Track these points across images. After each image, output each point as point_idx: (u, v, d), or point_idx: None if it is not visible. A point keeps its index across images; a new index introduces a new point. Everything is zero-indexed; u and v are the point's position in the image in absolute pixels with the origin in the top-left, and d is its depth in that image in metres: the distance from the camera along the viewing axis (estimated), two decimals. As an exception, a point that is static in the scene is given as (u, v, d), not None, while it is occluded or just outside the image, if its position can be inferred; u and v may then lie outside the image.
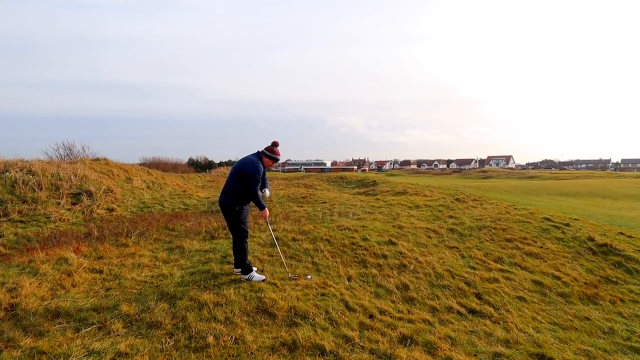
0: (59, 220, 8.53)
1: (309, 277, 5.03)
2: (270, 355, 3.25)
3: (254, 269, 4.92)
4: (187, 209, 10.75)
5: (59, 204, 9.35)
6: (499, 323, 4.31)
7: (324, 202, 11.37)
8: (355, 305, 4.27)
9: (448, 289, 5.13)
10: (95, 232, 7.18)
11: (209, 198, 12.79)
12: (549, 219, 8.81)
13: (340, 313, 4.06)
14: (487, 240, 7.28)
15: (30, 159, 12.04)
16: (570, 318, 4.64)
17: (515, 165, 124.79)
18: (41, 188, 9.70)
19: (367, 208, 10.23)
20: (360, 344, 3.52)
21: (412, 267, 5.68)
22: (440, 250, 6.63)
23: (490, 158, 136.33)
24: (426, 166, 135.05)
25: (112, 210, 9.95)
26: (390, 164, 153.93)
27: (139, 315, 3.74)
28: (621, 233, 8.12)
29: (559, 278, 5.80)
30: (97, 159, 15.76)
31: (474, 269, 5.89)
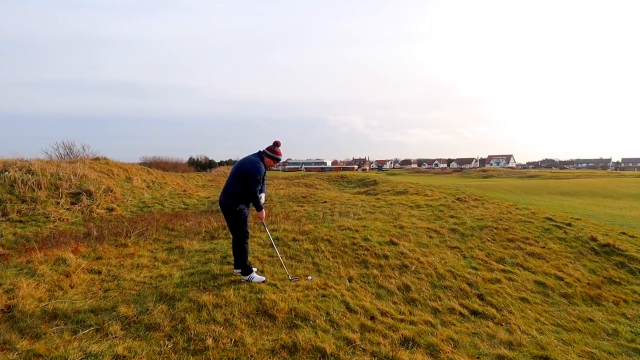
0: (58, 220, 8.49)
1: (310, 277, 4.98)
2: (270, 358, 3.20)
3: (254, 269, 4.87)
4: (187, 209, 10.70)
5: (59, 203, 9.31)
6: (502, 325, 4.27)
7: (325, 202, 11.31)
8: (357, 307, 4.22)
9: (450, 289, 5.09)
10: (95, 232, 7.13)
11: (209, 197, 12.74)
12: (550, 219, 8.75)
13: (341, 315, 4.01)
14: (488, 241, 7.23)
15: (29, 159, 12.01)
16: (574, 319, 4.59)
17: (516, 165, 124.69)
18: (40, 188, 9.65)
19: (367, 208, 10.18)
20: (362, 346, 3.47)
21: (414, 267, 5.63)
22: (441, 250, 6.58)
23: (490, 157, 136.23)
24: (427, 165, 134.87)
25: (111, 210, 9.90)
26: (391, 163, 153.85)
27: (137, 317, 3.69)
28: (623, 233, 8.07)
29: (561, 279, 5.75)
30: (97, 159, 15.71)
31: (476, 269, 5.84)
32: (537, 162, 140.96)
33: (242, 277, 4.71)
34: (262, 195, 4.89)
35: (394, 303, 4.57)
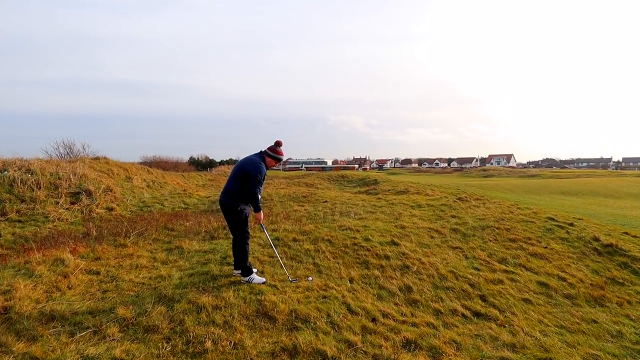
0: (58, 219, 8.44)
1: (310, 278, 4.93)
2: (270, 361, 3.15)
3: (254, 270, 4.81)
4: (187, 208, 10.66)
5: (58, 203, 9.26)
6: (505, 326, 4.21)
7: (325, 202, 11.26)
8: (358, 308, 4.17)
9: (452, 290, 5.03)
10: (94, 232, 7.08)
11: (209, 197, 12.69)
12: (552, 219, 8.69)
13: (342, 316, 3.96)
14: (490, 241, 7.17)
15: (29, 158, 11.97)
16: (577, 321, 4.54)
17: (517, 164, 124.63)
18: (40, 187, 9.60)
19: (368, 207, 10.12)
20: (363, 349, 3.42)
21: (415, 268, 5.58)
22: (443, 250, 6.53)
23: (491, 157, 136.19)
24: (427, 165, 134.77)
25: (111, 209, 9.86)
26: (392, 162, 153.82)
27: (135, 319, 3.64)
28: (626, 233, 8.01)
29: (564, 279, 5.70)
30: (97, 158, 15.67)
31: (478, 270, 5.78)
32: (538, 161, 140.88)
33: (242, 278, 4.66)
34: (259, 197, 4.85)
35: (396, 304, 4.52)
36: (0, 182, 9.30)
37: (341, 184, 20.99)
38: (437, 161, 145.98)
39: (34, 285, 4.32)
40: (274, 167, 4.95)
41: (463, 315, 4.43)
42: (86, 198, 9.91)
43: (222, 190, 4.75)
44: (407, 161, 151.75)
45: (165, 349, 3.21)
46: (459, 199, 11.74)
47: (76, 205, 9.45)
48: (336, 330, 3.69)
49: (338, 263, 5.62)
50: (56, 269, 4.86)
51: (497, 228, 7.87)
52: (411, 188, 15.41)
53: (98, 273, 4.93)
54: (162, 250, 6.05)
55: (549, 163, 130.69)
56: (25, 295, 4.02)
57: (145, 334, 3.42)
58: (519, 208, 10.27)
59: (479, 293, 5.01)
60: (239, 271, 4.71)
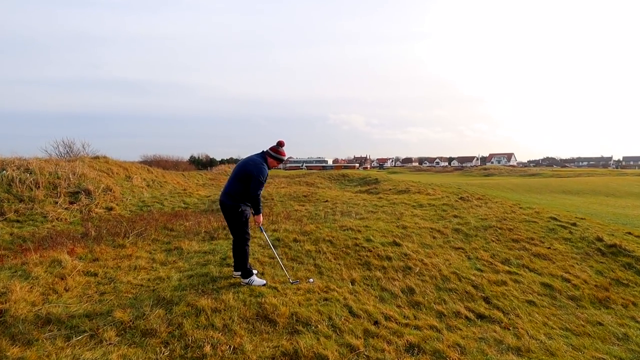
0: (56, 219, 8.38)
1: (311, 280, 4.86)
2: (270, 365, 3.08)
3: (254, 271, 4.74)
4: (187, 208, 10.59)
5: (57, 203, 9.19)
6: (509, 329, 4.14)
7: (326, 201, 11.19)
8: (360, 311, 4.10)
9: (455, 292, 4.96)
10: (93, 232, 7.01)
11: (209, 196, 12.63)
12: (555, 219, 8.62)
13: (344, 319, 3.89)
14: (493, 241, 7.10)
15: (28, 157, 11.91)
16: (583, 323, 4.46)
17: (517, 163, 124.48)
18: (38, 187, 9.53)
19: (369, 207, 10.05)
20: (365, 353, 3.35)
21: (418, 269, 5.50)
22: (445, 251, 6.45)
23: (491, 155, 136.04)
24: (428, 164, 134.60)
25: (110, 209, 9.79)
26: (392, 161, 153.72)
27: (133, 322, 3.57)
28: (629, 233, 7.94)
29: (568, 280, 5.62)
30: (97, 157, 15.61)
31: (481, 271, 5.71)
32: (538, 160, 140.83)
33: (242, 280, 4.58)
34: (260, 200, 4.77)
35: (398, 307, 4.45)
36: (-2, 182, 9.24)
37: (342, 183, 20.92)
38: (437, 160, 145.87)
39: (30, 288, 4.25)
40: (276, 167, 4.87)
41: (466, 317, 4.35)
42: (85, 198, 9.84)
43: (222, 190, 4.67)
44: (408, 160, 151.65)
45: (163, 353, 3.14)
46: (461, 198, 11.66)
47: (75, 205, 9.38)
48: (338, 334, 3.62)
49: (339, 264, 5.55)
50: (53, 271, 4.79)
51: (499, 228, 7.79)
52: (412, 187, 15.34)
53: (96, 275, 4.86)
54: (161, 251, 5.98)
55: (550, 162, 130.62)
56: (21, 298, 3.95)
57: (143, 338, 3.35)
58: (521, 208, 10.19)
59: (483, 295, 4.94)
60: (239, 273, 4.63)
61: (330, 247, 6.15)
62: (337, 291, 4.55)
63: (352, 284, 4.91)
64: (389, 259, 5.81)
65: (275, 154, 4.61)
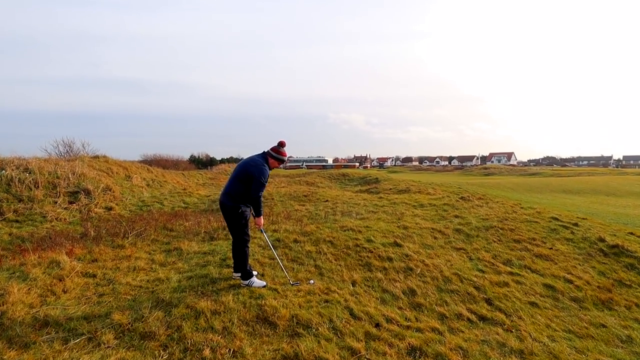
0: (56, 219, 8.34)
1: (312, 281, 4.82)
2: (270, 369, 3.04)
3: (254, 273, 4.70)
4: (187, 208, 10.55)
5: (56, 202, 9.15)
6: (512, 331, 4.09)
7: (326, 201, 11.15)
8: (361, 313, 4.05)
9: (457, 294, 4.91)
10: (92, 232, 6.97)
11: (209, 196, 12.58)
12: (556, 219, 8.57)
13: (345, 322, 3.84)
14: (494, 241, 7.05)
15: (27, 157, 11.86)
16: (586, 325, 4.41)
17: (517, 162, 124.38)
18: (38, 186, 9.49)
19: (370, 207, 10.01)
20: (367, 356, 3.31)
21: (419, 270, 5.46)
22: (447, 252, 6.41)
23: (492, 155, 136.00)
24: (428, 163, 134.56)
25: (110, 209, 9.75)
26: (392, 160, 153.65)
27: (131, 325, 3.53)
28: (631, 233, 7.89)
29: (571, 281, 5.57)
30: (97, 157, 15.55)
31: (483, 272, 5.67)
32: (538, 159, 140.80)
33: (241, 281, 4.54)
34: (261, 202, 4.71)
35: (400, 308, 4.40)
36: (-3, 182, 9.20)
37: (342, 182, 20.89)
38: (437, 159, 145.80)
39: (28, 289, 4.21)
40: (277, 168, 4.81)
41: (469, 319, 4.31)
42: (85, 197, 9.80)
43: (222, 190, 4.62)
44: (408, 159, 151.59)
45: (162, 357, 3.09)
46: (462, 198, 11.62)
47: (74, 204, 9.34)
48: (339, 337, 3.58)
49: (340, 265, 5.51)
50: (51, 272, 4.75)
51: (500, 228, 7.75)
52: (412, 187, 15.30)
53: (94, 276, 4.82)
54: (161, 252, 5.94)
55: (550, 161, 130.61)
56: (18, 300, 3.91)
57: (142, 341, 3.31)
58: (522, 207, 10.15)
59: (485, 296, 4.89)
60: (239, 274, 4.58)
61: (331, 248, 6.11)
62: (337, 293, 4.51)
63: (353, 286, 4.87)
64: (390, 259, 5.77)
65: (276, 154, 4.56)
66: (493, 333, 4.01)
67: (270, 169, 4.54)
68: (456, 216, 8.89)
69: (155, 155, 34.08)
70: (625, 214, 11.31)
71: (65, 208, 9.04)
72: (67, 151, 19.56)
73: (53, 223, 8.06)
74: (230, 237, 4.83)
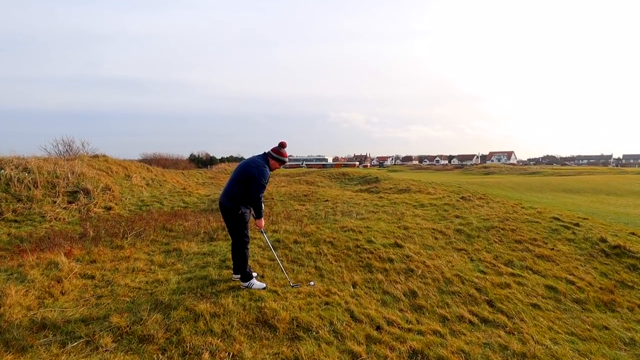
0: (55, 219, 8.30)
1: (312, 283, 4.77)
2: (270, 373, 3.00)
3: (254, 274, 4.66)
4: (187, 207, 10.50)
5: (55, 202, 9.11)
6: (514, 334, 4.05)
7: (326, 201, 11.11)
8: (361, 316, 4.01)
9: (458, 295, 4.87)
10: (91, 233, 6.93)
11: (209, 196, 12.55)
12: (557, 219, 8.53)
13: (346, 324, 3.80)
14: (496, 242, 7.01)
15: (26, 156, 11.82)
16: (589, 327, 4.37)
17: (517, 161, 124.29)
18: (37, 186, 9.45)
19: (370, 207, 9.97)
20: (368, 360, 3.27)
21: (420, 271, 5.42)
22: (448, 252, 6.37)
23: (491, 154, 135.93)
24: (428, 162, 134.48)
25: (109, 208, 9.71)
26: (392, 159, 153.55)
27: (130, 328, 3.49)
28: (633, 233, 7.85)
29: (573, 283, 5.54)
30: (96, 156, 15.51)
31: (484, 273, 5.62)
32: (538, 158, 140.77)
33: (241, 283, 4.49)
34: (262, 203, 4.67)
35: (401, 310, 4.36)
36: (-4, 181, 9.15)
37: (342, 181, 20.86)
38: (437, 158, 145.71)
39: (26, 291, 4.17)
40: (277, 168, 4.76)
41: (470, 321, 4.27)
42: (84, 197, 9.76)
43: (222, 191, 4.57)
44: (408, 158, 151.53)
45: (160, 361, 3.06)
46: (462, 198, 11.58)
47: (74, 204, 9.30)
48: (339, 340, 3.54)
49: (340, 266, 5.46)
50: (50, 273, 4.70)
51: (502, 229, 7.70)
52: (413, 186, 15.27)
53: (93, 277, 4.78)
54: (160, 252, 5.90)
55: (550, 160, 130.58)
56: (16, 302, 3.87)
57: (140, 345, 3.27)
58: (523, 207, 10.12)
59: (486, 298, 4.85)
60: (238, 275, 4.54)
61: (331, 249, 6.07)
62: (338, 295, 4.47)
63: (353, 287, 4.83)
64: (391, 261, 5.73)
65: (277, 155, 4.52)
66: (495, 336, 3.97)
67: (271, 170, 4.49)
68: (457, 216, 8.85)
69: (155, 154, 33.98)
70: (626, 213, 11.29)
71: (64, 208, 9.00)
72: (67, 150, 19.50)
73: (52, 223, 8.02)
74: (230, 238, 4.78)
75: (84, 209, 9.23)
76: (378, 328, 3.84)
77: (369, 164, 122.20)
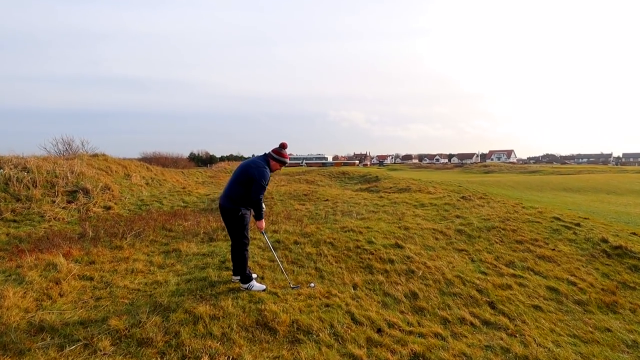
0: (54, 219, 8.27)
1: (312, 284, 4.74)
2: (270, 377, 2.97)
3: (254, 276, 4.63)
4: (187, 207, 10.46)
5: (54, 202, 9.08)
6: (516, 336, 4.02)
7: (327, 200, 11.08)
8: (362, 318, 3.98)
9: (459, 297, 4.83)
10: (90, 233, 6.90)
11: (209, 195, 12.51)
12: (558, 219, 8.50)
13: (346, 327, 3.77)
14: (497, 242, 6.98)
15: (25, 155, 11.78)
16: (591, 329, 4.34)
17: (517, 160, 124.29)
18: (36, 186, 9.42)
19: (370, 207, 9.94)
20: (369, 363, 3.23)
21: (421, 272, 5.39)
22: (449, 253, 6.33)
23: (491, 152, 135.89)
24: (427, 160, 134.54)
25: (109, 208, 9.68)
26: (392, 158, 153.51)
27: (129, 331, 3.45)
28: (634, 233, 7.82)
29: (574, 284, 5.50)
30: (96, 155, 15.46)
31: (485, 274, 5.59)
32: (538, 157, 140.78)
33: (241, 284, 4.46)
34: (262, 204, 4.62)
35: (401, 312, 4.33)
36: (-5, 181, 9.12)
37: (342, 180, 20.82)
38: (437, 157, 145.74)
39: (24, 293, 4.14)
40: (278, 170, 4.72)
41: (472, 324, 4.23)
42: (83, 197, 9.72)
43: (222, 193, 4.53)
44: (408, 157, 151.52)
45: (159, 365, 3.02)
46: (463, 197, 11.55)
47: (73, 204, 9.27)
48: (340, 343, 3.51)
49: (341, 268, 5.43)
50: (48, 275, 4.67)
51: (502, 229, 7.67)
52: (413, 185, 15.24)
53: (92, 279, 4.75)
54: (159, 253, 5.86)
55: (550, 159, 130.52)
56: (13, 304, 3.84)
57: (139, 348, 3.23)
58: (523, 207, 10.09)
59: (488, 299, 4.82)
60: (238, 277, 4.51)
61: (332, 250, 6.03)
62: (338, 296, 4.44)
63: (354, 289, 4.79)
64: (392, 262, 5.69)
65: (278, 156, 4.48)
66: (497, 338, 3.93)
67: (271, 171, 4.46)
68: (457, 216, 8.82)
69: (155, 153, 33.89)
70: (627, 212, 11.27)
71: (63, 207, 8.97)
72: (66, 149, 19.45)
73: (51, 223, 7.99)
74: (230, 239, 4.75)
75: (83, 208, 9.19)
76: (379, 331, 3.81)
77: (368, 163, 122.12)
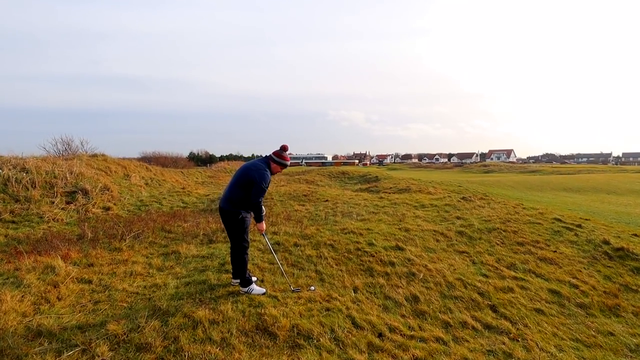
0: (53, 220, 8.23)
1: (313, 288, 4.70)
2: (270, 384, 2.93)
3: (254, 279, 4.59)
4: (186, 207, 10.43)
5: (53, 203, 9.04)
6: (518, 340, 3.98)
7: (326, 201, 11.04)
8: (363, 322, 3.94)
9: (461, 300, 4.79)
10: (89, 234, 6.86)
11: (208, 195, 12.47)
12: (560, 220, 8.46)
13: (347, 332, 3.73)
14: (498, 244, 6.94)
15: (24, 156, 11.74)
16: (593, 333, 4.31)
17: (517, 159, 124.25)
18: (35, 186, 9.37)
19: (371, 208, 9.90)
20: (370, 369, 3.20)
21: (422, 275, 5.35)
22: (449, 255, 6.29)
23: (491, 152, 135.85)
24: (427, 160, 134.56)
25: (108, 209, 9.64)
26: (392, 157, 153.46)
27: (127, 336, 3.41)
28: (635, 235, 7.78)
29: (576, 286, 5.46)
30: (95, 155, 15.42)
31: (487, 276, 5.55)
32: (538, 156, 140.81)
33: (240, 288, 4.42)
34: (262, 207, 4.58)
35: (402, 316, 4.29)
36: (-7, 182, 9.07)
37: (342, 180, 20.78)
38: (437, 156, 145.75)
39: (22, 297, 4.10)
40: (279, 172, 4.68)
41: (473, 328, 4.19)
42: (82, 197, 9.68)
43: (222, 195, 4.49)
44: (407, 156, 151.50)
45: (158, 371, 2.99)
46: (463, 198, 11.51)
47: (72, 205, 9.23)
48: (341, 348, 3.47)
49: (341, 270, 5.39)
50: (46, 278, 4.63)
51: (503, 230, 7.63)
52: (413, 186, 15.21)
53: (90, 282, 4.71)
54: (159, 255, 5.83)
55: (549, 158, 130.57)
56: (11, 308, 3.80)
57: (137, 353, 3.19)
58: (524, 208, 10.05)
59: (489, 303, 4.78)
60: (238, 280, 4.47)
61: (332, 252, 5.99)
62: (339, 300, 4.40)
63: (354, 292, 4.75)
64: (392, 264, 5.65)
65: (278, 159, 4.44)
66: (499, 342, 3.90)
67: (272, 174, 4.42)
68: (458, 217, 8.78)
69: (155, 153, 33.86)
70: (627, 212, 11.23)
71: (62, 208, 8.93)
72: (66, 149, 19.40)
73: (50, 224, 7.95)
74: (229, 241, 4.71)
75: (82, 209, 9.16)
76: (380, 335, 3.77)
77: (368, 162, 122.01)
